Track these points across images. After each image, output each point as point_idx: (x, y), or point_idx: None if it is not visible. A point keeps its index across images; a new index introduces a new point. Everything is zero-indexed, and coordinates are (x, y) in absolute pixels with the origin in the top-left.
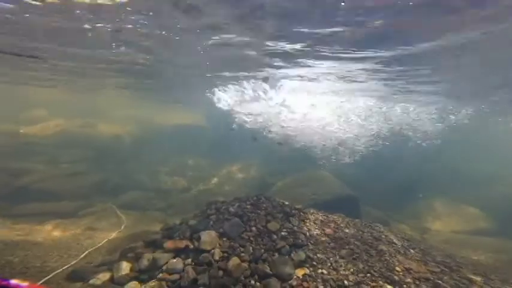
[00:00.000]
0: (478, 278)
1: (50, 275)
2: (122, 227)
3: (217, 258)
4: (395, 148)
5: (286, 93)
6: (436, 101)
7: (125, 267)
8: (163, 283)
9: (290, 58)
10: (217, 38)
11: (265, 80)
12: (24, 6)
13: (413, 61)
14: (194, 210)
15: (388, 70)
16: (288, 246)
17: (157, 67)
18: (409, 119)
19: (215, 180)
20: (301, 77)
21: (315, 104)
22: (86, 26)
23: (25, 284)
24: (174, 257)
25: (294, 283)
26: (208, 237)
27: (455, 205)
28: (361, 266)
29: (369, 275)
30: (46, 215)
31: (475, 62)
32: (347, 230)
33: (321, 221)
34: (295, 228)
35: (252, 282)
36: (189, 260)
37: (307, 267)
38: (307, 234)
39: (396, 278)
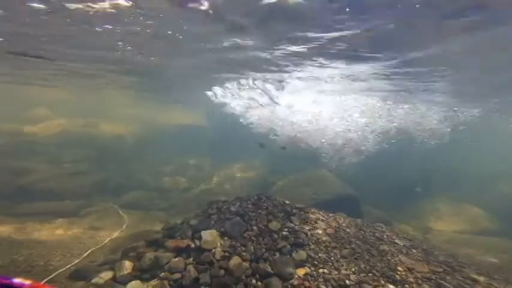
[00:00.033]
0: (482, 278)
1: (53, 274)
2: (124, 227)
3: (218, 257)
4: (398, 147)
5: (293, 94)
6: (443, 100)
7: (127, 266)
8: (165, 282)
9: (301, 60)
10: (233, 41)
11: (278, 86)
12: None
13: (421, 63)
14: (196, 210)
15: (396, 71)
16: (289, 246)
17: (163, 68)
18: (414, 119)
19: (216, 179)
20: (314, 77)
21: (317, 101)
22: (97, 29)
23: (28, 282)
24: (176, 256)
25: (295, 282)
26: (209, 236)
27: (458, 205)
28: (362, 265)
29: (370, 274)
30: (49, 214)
31: (477, 63)
32: (348, 230)
33: (322, 221)
34: (296, 227)
35: (253, 281)
36: (191, 259)
37: (309, 267)
38: (308, 233)
39: (398, 277)
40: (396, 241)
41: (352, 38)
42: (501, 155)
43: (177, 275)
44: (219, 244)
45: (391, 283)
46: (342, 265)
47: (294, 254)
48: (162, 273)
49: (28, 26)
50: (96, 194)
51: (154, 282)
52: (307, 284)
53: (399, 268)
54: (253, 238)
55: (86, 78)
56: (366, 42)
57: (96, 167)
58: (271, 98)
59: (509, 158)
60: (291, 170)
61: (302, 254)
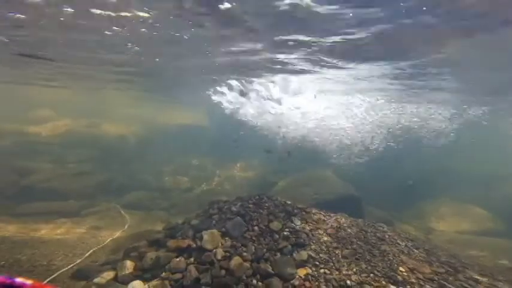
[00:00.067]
0: (485, 279)
1: (56, 274)
2: (126, 227)
3: (219, 257)
4: (400, 147)
5: (301, 94)
6: (449, 100)
7: (129, 266)
8: (166, 282)
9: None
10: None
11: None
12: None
13: (430, 64)
14: (197, 210)
15: (403, 73)
16: (290, 246)
17: (167, 69)
18: (419, 118)
19: (218, 179)
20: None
21: (325, 101)
22: (107, 32)
23: (29, 282)
24: (177, 256)
25: (296, 283)
26: (210, 236)
27: (460, 205)
28: (364, 266)
29: (372, 275)
30: (52, 214)
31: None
32: (350, 230)
33: (323, 221)
34: (297, 227)
35: (254, 281)
36: (192, 259)
37: (310, 267)
38: (310, 234)
39: (400, 278)
40: (398, 241)
41: (360, 40)
42: (505, 155)
43: (178, 275)
44: (220, 244)
45: (392, 284)
46: (343, 265)
47: (295, 254)
48: (163, 273)
49: (48, 31)
50: (100, 194)
51: (155, 282)
52: (308, 284)
53: (401, 269)
54: (254, 238)
55: (89, 79)
56: (377, 45)
57: (99, 167)
58: (276, 99)
59: None
60: (294, 170)
61: (303, 254)
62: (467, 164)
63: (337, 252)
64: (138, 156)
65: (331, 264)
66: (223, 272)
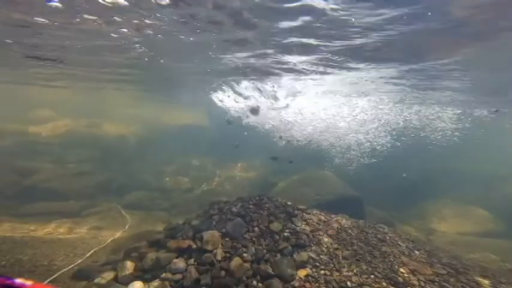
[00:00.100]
0: (487, 281)
1: (56, 274)
2: (127, 227)
3: (219, 258)
4: (401, 147)
5: (307, 96)
6: (455, 100)
7: (129, 266)
8: (167, 283)
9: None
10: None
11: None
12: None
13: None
14: (197, 210)
15: (412, 74)
16: (290, 247)
17: (169, 69)
18: (427, 118)
19: (218, 180)
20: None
21: (331, 102)
22: (113, 35)
23: (29, 283)
24: (177, 257)
25: (296, 284)
26: (210, 237)
27: (462, 206)
28: (364, 267)
29: (372, 276)
30: (53, 214)
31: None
32: (350, 231)
33: (324, 222)
34: (297, 228)
35: (254, 282)
36: (192, 260)
37: (310, 268)
38: (310, 235)
39: (401, 279)
40: (399, 243)
41: (366, 45)
42: (508, 155)
43: (178, 276)
44: (220, 245)
45: (393, 285)
46: (344, 266)
47: (295, 255)
48: (164, 274)
49: (61, 37)
50: (100, 194)
51: (155, 282)
52: (308, 285)
53: (402, 270)
54: (254, 239)
55: (92, 79)
56: (386, 48)
57: (100, 167)
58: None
59: None
60: (293, 170)
61: (303, 255)
62: (469, 164)
63: (337, 253)
64: (138, 156)
65: (332, 265)
66: (223, 272)
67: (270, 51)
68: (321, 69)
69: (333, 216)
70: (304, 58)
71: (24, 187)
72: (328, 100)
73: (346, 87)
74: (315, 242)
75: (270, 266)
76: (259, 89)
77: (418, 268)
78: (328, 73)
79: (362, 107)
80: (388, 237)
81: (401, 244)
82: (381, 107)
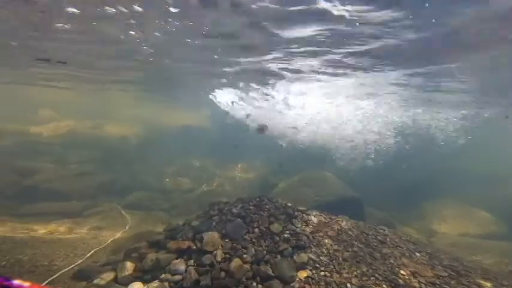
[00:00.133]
0: (488, 284)
1: (56, 275)
2: (127, 227)
3: (219, 259)
4: (402, 147)
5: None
6: (459, 102)
7: (129, 267)
8: (166, 284)
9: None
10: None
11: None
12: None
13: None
14: (198, 211)
15: (418, 79)
16: (290, 248)
17: (172, 70)
18: (433, 120)
19: (218, 180)
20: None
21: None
22: (121, 36)
23: (27, 284)
24: (177, 258)
25: (296, 285)
26: (210, 238)
27: (463, 207)
28: (364, 269)
29: (372, 278)
30: (53, 214)
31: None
32: (350, 232)
33: (324, 223)
34: (297, 230)
35: (254, 284)
36: (192, 261)
37: (310, 270)
38: (310, 236)
39: (401, 281)
40: (399, 244)
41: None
42: (509, 155)
43: (178, 277)
44: (220, 246)
45: (393, 287)
46: (344, 268)
47: (295, 257)
48: (163, 275)
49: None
50: (102, 194)
51: (155, 283)
52: (308, 287)
53: (402, 272)
54: (254, 240)
55: (95, 81)
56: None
57: (101, 168)
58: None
59: None
60: (294, 171)
61: (303, 257)
62: (470, 164)
63: (337, 254)
64: (139, 157)
65: (332, 266)
66: (223, 274)
67: (278, 55)
68: (332, 71)
69: (333, 217)
70: (314, 63)
71: (25, 187)
72: (335, 101)
73: (355, 89)
74: (315, 244)
75: (270, 267)
76: (266, 94)
77: (419, 270)
78: (340, 75)
79: (366, 109)
80: (388, 239)
81: (402, 246)
82: (383, 108)
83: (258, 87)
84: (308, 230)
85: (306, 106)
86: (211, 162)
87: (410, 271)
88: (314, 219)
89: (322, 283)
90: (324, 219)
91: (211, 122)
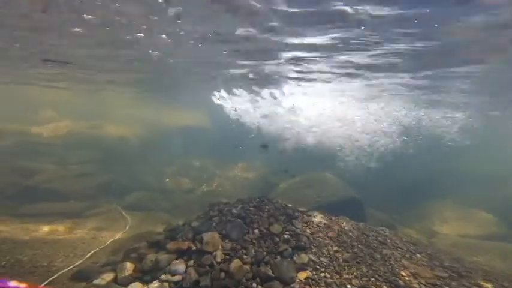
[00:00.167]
0: (489, 285)
1: (56, 275)
2: (127, 228)
3: (219, 260)
4: (402, 148)
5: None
6: (466, 102)
7: (129, 267)
8: (166, 284)
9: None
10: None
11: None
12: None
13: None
14: (198, 211)
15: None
16: (290, 249)
17: (175, 70)
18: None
19: (219, 181)
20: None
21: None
22: (128, 37)
23: (23, 286)
24: (177, 258)
25: (297, 286)
26: (210, 238)
27: (464, 208)
28: (365, 270)
29: (373, 279)
30: (54, 215)
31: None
32: (351, 233)
33: (325, 224)
34: (298, 230)
35: (254, 285)
36: (192, 262)
37: (310, 271)
38: (310, 237)
39: (402, 283)
40: (400, 245)
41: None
42: (509, 155)
43: (178, 277)
44: (220, 246)
45: None
46: (344, 269)
47: (295, 258)
48: (163, 276)
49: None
50: (102, 195)
51: (155, 284)
52: None
53: (402, 273)
54: (254, 241)
55: (97, 82)
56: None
57: (101, 168)
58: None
59: None
60: (294, 171)
61: (303, 258)
62: (470, 164)
63: (338, 255)
64: (140, 157)
65: (332, 267)
66: (223, 274)
67: (287, 55)
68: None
69: (333, 218)
70: (324, 65)
71: (25, 187)
72: (340, 102)
73: (362, 91)
74: (315, 244)
75: (270, 268)
76: (274, 97)
77: (419, 271)
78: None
79: (371, 110)
80: (389, 240)
81: (402, 247)
82: (387, 109)
83: (266, 89)
84: (308, 231)
85: (311, 107)
86: (211, 162)
87: (410, 272)
88: (314, 220)
89: (322, 284)
90: (324, 220)
91: (211, 122)
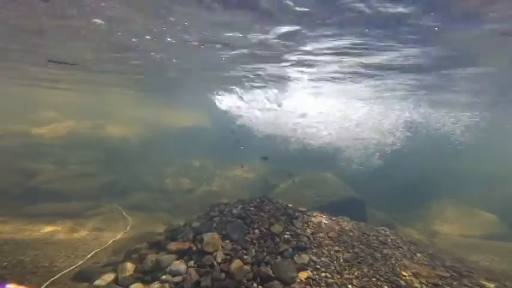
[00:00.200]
0: (492, 285)
1: (57, 275)
2: (128, 228)
3: (219, 260)
4: (403, 148)
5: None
6: (466, 102)
7: (129, 268)
8: (167, 285)
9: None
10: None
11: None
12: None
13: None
14: (198, 211)
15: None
16: (291, 249)
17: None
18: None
19: (219, 181)
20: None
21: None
22: (134, 39)
23: None
24: (177, 259)
25: (297, 286)
26: (211, 239)
27: (464, 207)
28: (365, 270)
29: (374, 279)
30: (55, 215)
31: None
32: (351, 233)
33: (325, 224)
34: (298, 230)
35: (255, 285)
36: (192, 262)
37: (311, 271)
38: (311, 237)
39: (403, 283)
40: (400, 245)
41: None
42: (509, 155)
43: (178, 278)
44: (220, 247)
45: None
46: (345, 269)
47: (295, 258)
48: (164, 276)
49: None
50: (103, 195)
51: (155, 284)
52: None
53: (404, 273)
54: (254, 241)
55: (100, 82)
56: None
57: (103, 168)
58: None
59: None
60: (294, 171)
61: (304, 258)
62: (470, 164)
63: (338, 255)
64: (140, 157)
65: (333, 267)
66: (223, 275)
67: (294, 57)
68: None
69: (334, 218)
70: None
71: (27, 188)
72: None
73: (367, 91)
74: (315, 244)
75: (270, 268)
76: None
77: (420, 271)
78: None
79: (375, 110)
80: (389, 240)
81: (403, 247)
82: (390, 109)
83: (269, 90)
84: (309, 231)
85: (314, 108)
86: (212, 162)
87: (411, 272)
88: (315, 220)
89: (323, 284)
90: (324, 220)
91: (212, 122)
